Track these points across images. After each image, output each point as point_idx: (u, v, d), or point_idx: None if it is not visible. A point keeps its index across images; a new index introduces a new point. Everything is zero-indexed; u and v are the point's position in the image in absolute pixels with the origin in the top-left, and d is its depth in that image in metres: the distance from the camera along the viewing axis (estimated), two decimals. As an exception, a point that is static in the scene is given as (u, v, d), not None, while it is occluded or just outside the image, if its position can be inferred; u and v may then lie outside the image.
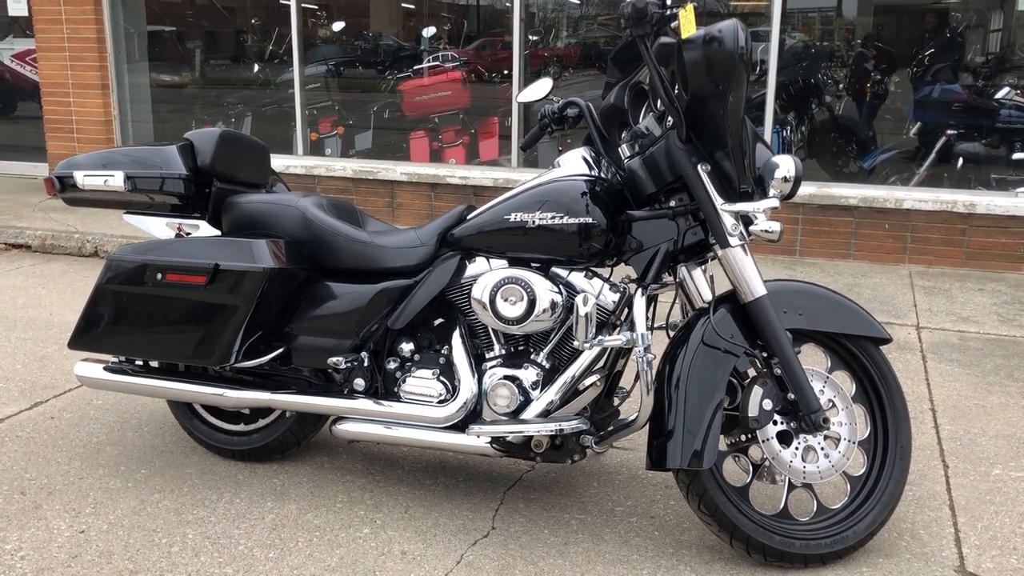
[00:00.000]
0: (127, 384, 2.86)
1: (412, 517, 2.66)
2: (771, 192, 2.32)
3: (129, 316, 2.71)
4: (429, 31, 6.98)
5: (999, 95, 5.69)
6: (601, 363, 2.50)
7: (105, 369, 2.89)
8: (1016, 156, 5.66)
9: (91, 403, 3.48)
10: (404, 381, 2.64)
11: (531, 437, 2.51)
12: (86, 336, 2.78)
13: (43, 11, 7.37)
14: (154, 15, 7.69)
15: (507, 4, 6.46)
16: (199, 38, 7.72)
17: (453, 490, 2.82)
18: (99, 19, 7.31)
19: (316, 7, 7.16)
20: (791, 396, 2.36)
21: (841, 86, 6.14)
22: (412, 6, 7.27)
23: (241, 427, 2.99)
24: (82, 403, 3.48)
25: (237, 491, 2.81)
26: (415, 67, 7.02)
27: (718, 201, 2.32)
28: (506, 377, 2.52)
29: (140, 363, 2.90)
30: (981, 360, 3.98)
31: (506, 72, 6.51)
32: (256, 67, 7.46)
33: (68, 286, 5.19)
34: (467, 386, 2.54)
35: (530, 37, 6.50)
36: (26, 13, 7.78)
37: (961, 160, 5.81)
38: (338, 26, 7.23)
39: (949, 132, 5.80)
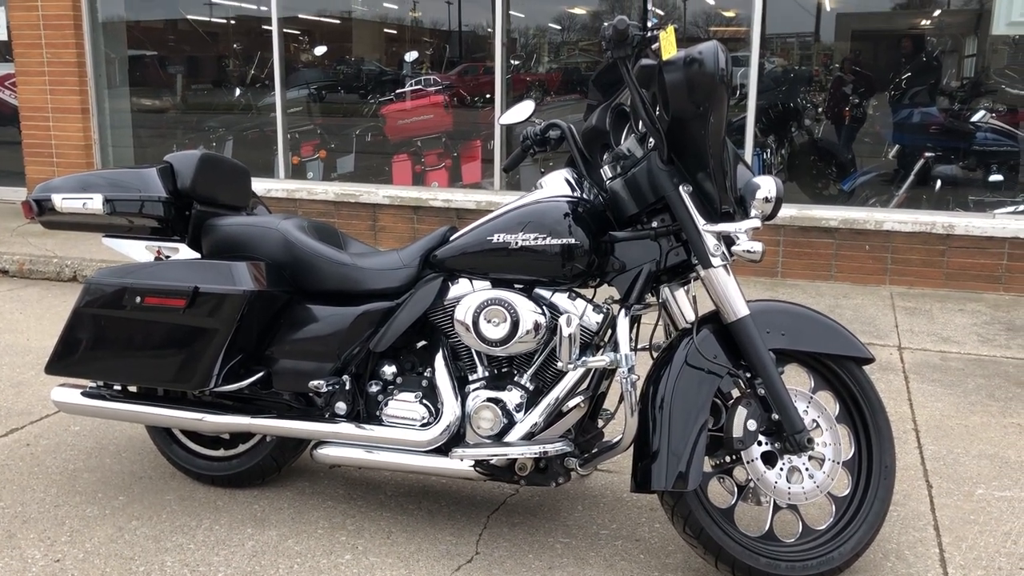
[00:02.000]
0: (105, 409, 2.82)
1: (395, 543, 2.62)
2: (753, 212, 2.33)
3: (107, 340, 2.68)
4: (411, 56, 7.01)
5: (975, 118, 5.77)
6: (585, 384, 2.49)
7: (83, 394, 2.85)
8: (993, 178, 5.73)
9: (68, 429, 3.43)
10: (386, 404, 2.62)
11: (515, 460, 2.48)
12: (63, 361, 2.74)
13: (23, 35, 7.35)
14: (135, 40, 7.68)
15: (489, 30, 6.50)
16: (180, 63, 7.71)
17: (436, 515, 2.79)
18: (79, 44, 7.30)
19: (298, 32, 7.17)
20: (775, 416, 2.36)
21: (820, 110, 6.21)
22: (394, 31, 7.30)
23: (221, 452, 2.95)
24: (59, 429, 3.43)
25: (217, 517, 2.76)
26: (397, 91, 7.04)
27: (700, 222, 2.32)
28: (490, 399, 2.50)
29: (118, 388, 2.87)
30: (963, 380, 4.00)
31: (488, 96, 6.54)
32: (238, 91, 7.46)
33: (46, 311, 5.13)
34: (450, 409, 2.52)
35: (512, 62, 6.54)
36: (5, 37, 7.75)
37: (939, 182, 5.87)
38: (320, 51, 7.25)
39: (927, 154, 5.87)
